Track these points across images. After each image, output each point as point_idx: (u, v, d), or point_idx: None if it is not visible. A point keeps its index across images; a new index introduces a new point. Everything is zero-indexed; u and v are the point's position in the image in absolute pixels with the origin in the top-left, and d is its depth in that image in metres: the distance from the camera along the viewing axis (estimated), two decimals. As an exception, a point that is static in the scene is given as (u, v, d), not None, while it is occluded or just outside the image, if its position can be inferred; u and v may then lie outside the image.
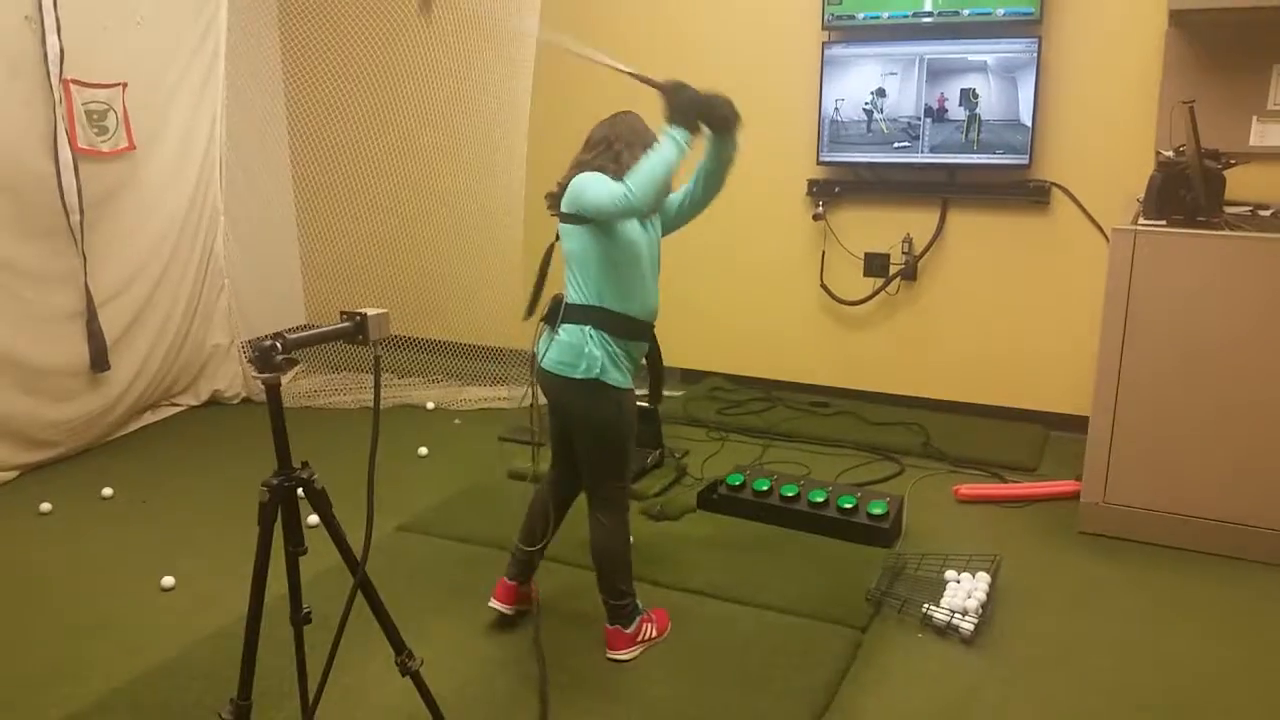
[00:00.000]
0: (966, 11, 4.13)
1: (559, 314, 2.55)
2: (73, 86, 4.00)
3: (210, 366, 4.90)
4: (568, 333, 2.54)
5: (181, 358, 4.74)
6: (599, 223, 2.48)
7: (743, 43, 4.66)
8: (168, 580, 3.11)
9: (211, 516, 3.63)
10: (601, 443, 2.61)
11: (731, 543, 3.35)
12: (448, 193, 4.94)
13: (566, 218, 2.55)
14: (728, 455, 4.15)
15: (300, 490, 1.96)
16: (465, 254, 4.90)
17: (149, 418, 4.65)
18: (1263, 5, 3.40)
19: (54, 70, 3.92)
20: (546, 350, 2.57)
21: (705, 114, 2.52)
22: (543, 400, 2.66)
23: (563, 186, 2.55)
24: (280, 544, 1.96)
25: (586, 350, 2.51)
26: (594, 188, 2.44)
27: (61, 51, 3.93)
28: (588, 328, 2.52)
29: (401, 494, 3.74)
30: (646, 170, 2.39)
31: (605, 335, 2.53)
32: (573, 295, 2.56)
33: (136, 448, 4.39)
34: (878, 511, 3.35)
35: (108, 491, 3.83)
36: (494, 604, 2.80)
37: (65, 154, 3.99)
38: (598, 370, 2.50)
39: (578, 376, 2.51)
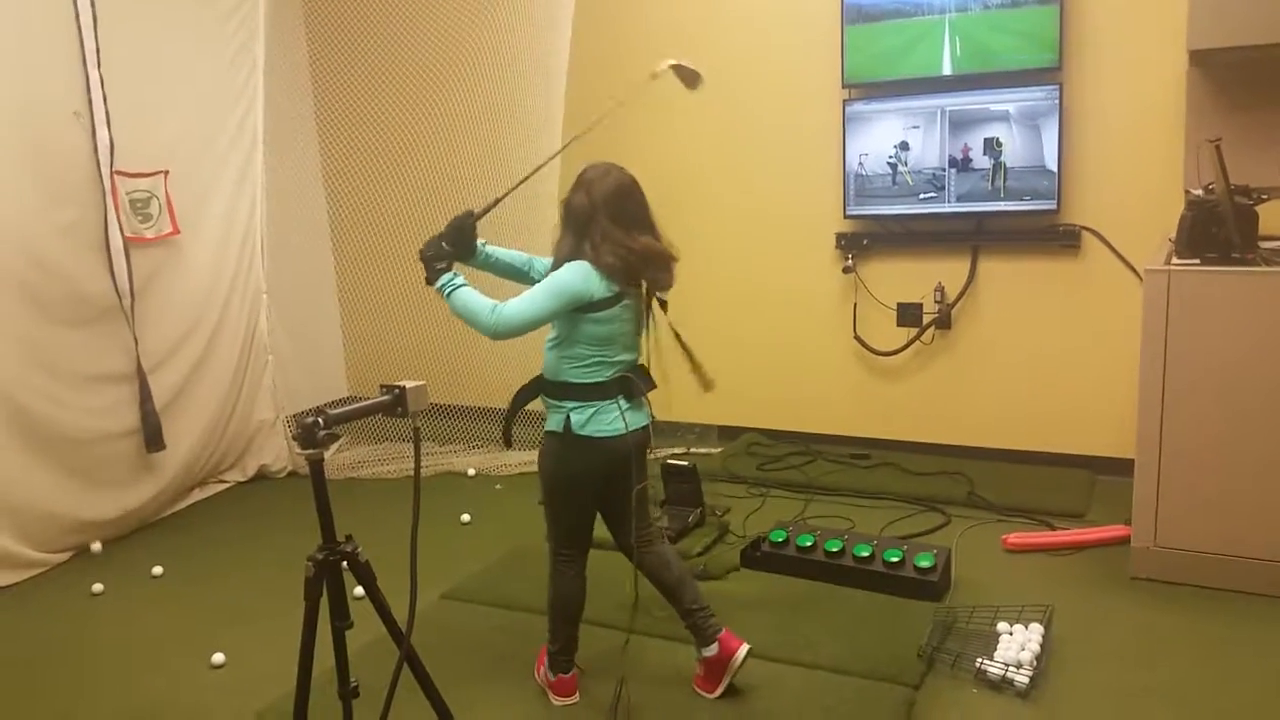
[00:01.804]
0: (987, 69, 4.19)
1: (631, 383, 2.63)
2: (117, 177, 4.15)
3: (256, 442, 4.99)
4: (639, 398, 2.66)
5: (229, 434, 4.83)
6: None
7: (766, 103, 4.74)
8: (218, 657, 3.13)
9: (260, 591, 3.67)
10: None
11: (778, 601, 3.32)
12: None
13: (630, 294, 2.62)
14: (769, 511, 4.13)
15: (345, 563, 1.98)
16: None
17: (197, 495, 4.73)
18: (1281, 42, 3.41)
19: (104, 162, 4.08)
20: (632, 415, 2.63)
21: (440, 252, 2.61)
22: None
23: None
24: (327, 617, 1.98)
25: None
26: None
27: (111, 143, 4.10)
28: None
29: (445, 562, 3.76)
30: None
31: None
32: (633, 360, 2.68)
33: (186, 525, 4.45)
34: (925, 564, 3.30)
35: (158, 570, 3.89)
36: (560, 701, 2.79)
37: (116, 241, 4.13)
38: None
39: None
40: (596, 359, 2.58)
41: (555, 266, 2.57)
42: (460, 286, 2.54)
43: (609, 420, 2.58)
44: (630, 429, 2.61)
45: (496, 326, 2.46)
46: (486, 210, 2.66)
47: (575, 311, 2.52)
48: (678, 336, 2.73)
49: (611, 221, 2.53)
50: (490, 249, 2.78)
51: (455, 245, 2.63)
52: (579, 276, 2.50)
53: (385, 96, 5.08)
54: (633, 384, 2.63)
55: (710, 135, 4.90)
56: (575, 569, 2.75)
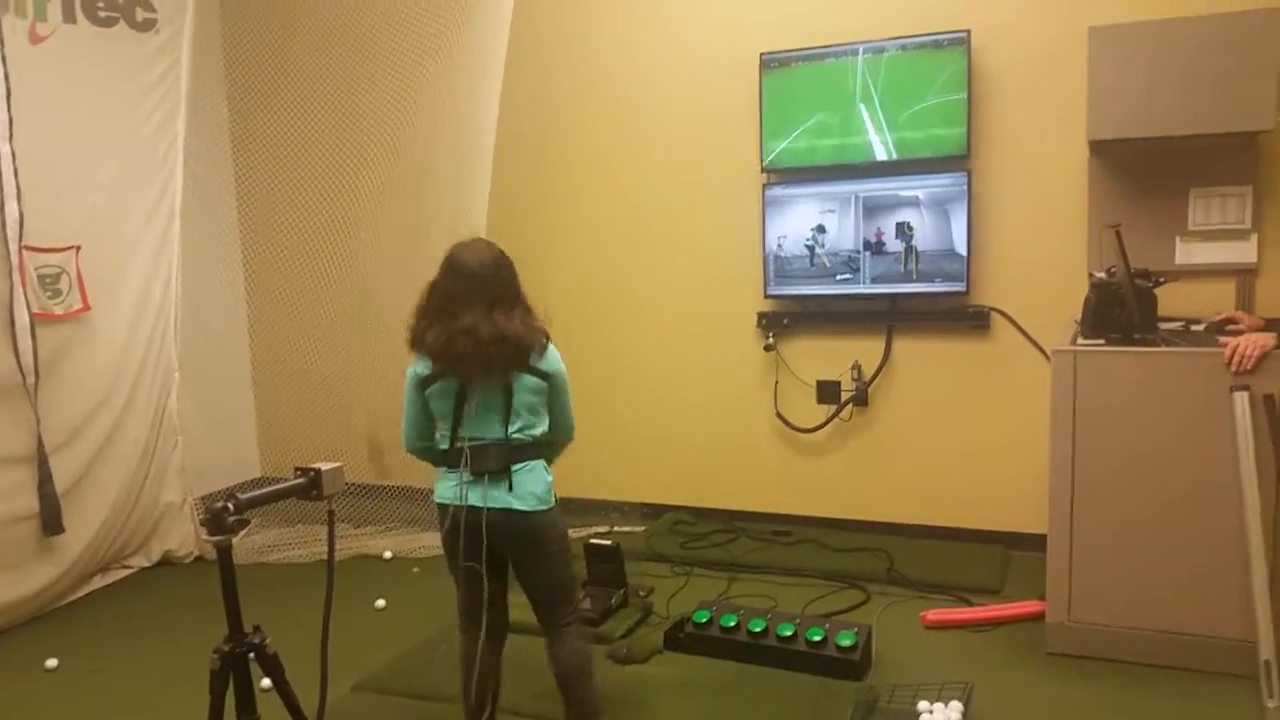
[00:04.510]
0: (898, 156, 4.35)
1: (506, 455, 2.60)
2: (26, 253, 4.03)
3: (163, 525, 4.79)
4: (533, 468, 2.65)
5: (134, 517, 4.64)
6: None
7: (689, 187, 4.84)
8: (114, 756, 2.97)
9: (163, 685, 3.50)
10: (566, 565, 2.75)
11: (701, 685, 3.28)
12: (402, 339, 4.97)
13: (533, 370, 2.61)
14: (693, 590, 4.10)
15: (252, 654, 1.91)
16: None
17: (99, 581, 4.51)
18: (1173, 135, 3.61)
19: (13, 237, 3.96)
20: (497, 491, 2.60)
21: None
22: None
23: (521, 337, 2.58)
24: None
25: (548, 480, 2.67)
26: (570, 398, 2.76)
27: (21, 218, 3.98)
28: (542, 461, 2.69)
29: (358, 650, 3.64)
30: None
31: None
32: (523, 436, 2.63)
33: (85, 614, 4.24)
34: (846, 643, 3.31)
35: (52, 663, 3.68)
36: None
37: (22, 317, 4.00)
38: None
39: (543, 508, 2.64)
40: (441, 430, 2.67)
41: None
42: None
43: (447, 487, 2.65)
44: (469, 503, 2.58)
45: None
46: None
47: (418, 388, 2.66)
48: None
49: (438, 301, 2.61)
50: None
51: None
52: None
53: (307, 169, 5.04)
54: (467, 456, 2.60)
55: (633, 218, 4.97)
56: (469, 636, 2.75)
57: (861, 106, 4.37)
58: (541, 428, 2.67)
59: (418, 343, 2.60)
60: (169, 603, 4.30)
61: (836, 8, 4.47)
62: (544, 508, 2.63)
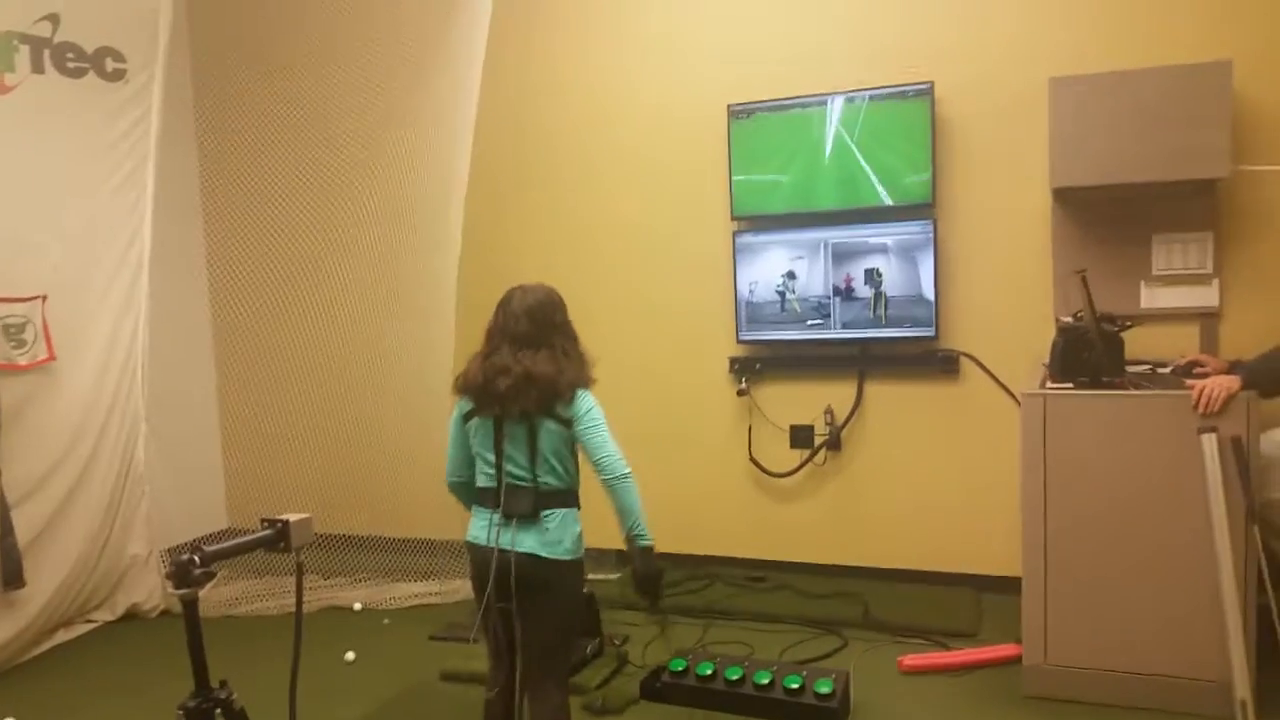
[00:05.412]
0: (864, 204, 4.41)
1: (536, 500, 2.60)
2: (-10, 302, 3.99)
3: (129, 578, 4.70)
4: (563, 516, 2.63)
5: (99, 570, 4.55)
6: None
7: (660, 232, 4.88)
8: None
9: (124, 743, 3.41)
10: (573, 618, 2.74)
11: (677, 734, 3.24)
12: (373, 388, 4.96)
13: (557, 417, 2.60)
14: (669, 638, 4.06)
15: (219, 710, 1.87)
16: (392, 446, 4.87)
17: (62, 636, 4.41)
18: (1133, 182, 3.69)
19: (-26, 287, 3.93)
20: (525, 535, 2.60)
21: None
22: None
23: (550, 379, 2.58)
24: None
25: (577, 530, 2.65)
26: (606, 435, 2.64)
27: (-15, 268, 3.95)
28: (575, 510, 2.67)
29: (328, 705, 3.57)
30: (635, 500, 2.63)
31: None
32: (553, 481, 2.63)
33: (47, 670, 4.13)
34: (825, 690, 3.28)
35: (10, 722, 3.59)
36: None
37: (-17, 368, 3.95)
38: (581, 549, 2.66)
39: (569, 558, 2.62)
40: (479, 467, 2.69)
41: None
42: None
43: (476, 526, 2.68)
44: (497, 544, 2.58)
45: None
46: None
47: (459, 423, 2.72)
48: None
49: (485, 339, 2.68)
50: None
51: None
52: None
53: (277, 219, 5.04)
54: (498, 497, 2.62)
55: (605, 264, 5.00)
56: (494, 680, 2.73)
57: (828, 156, 4.44)
58: (573, 476, 2.68)
59: (460, 378, 2.68)
60: (134, 658, 4.20)
61: (803, 59, 4.56)
62: (569, 558, 2.61)
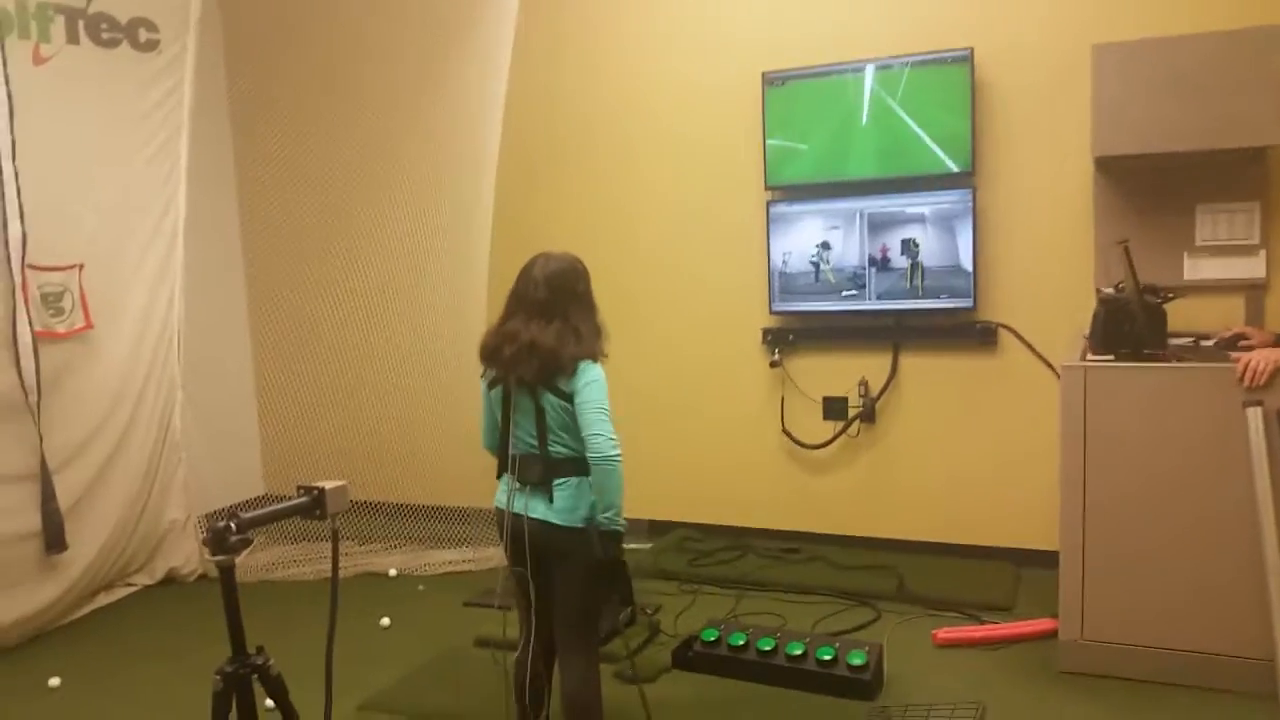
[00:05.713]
0: (902, 173, 4.34)
1: (545, 469, 2.60)
2: (29, 271, 4.03)
3: (167, 543, 4.77)
4: (571, 484, 2.60)
5: (138, 535, 4.62)
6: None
7: (693, 202, 4.84)
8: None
9: (165, 706, 3.46)
10: (588, 592, 2.67)
11: (710, 705, 3.24)
12: (406, 356, 4.98)
13: (557, 390, 2.56)
14: (701, 608, 4.06)
15: (256, 676, 1.89)
16: (425, 414, 4.89)
17: (103, 599, 4.49)
18: (1178, 150, 3.60)
19: (15, 256, 3.96)
20: (536, 502, 2.60)
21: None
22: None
23: (552, 351, 2.55)
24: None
25: (592, 501, 2.60)
26: (601, 413, 2.55)
27: (24, 236, 3.98)
28: (585, 479, 2.60)
29: (363, 669, 3.61)
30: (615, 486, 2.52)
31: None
32: (563, 450, 2.60)
33: (88, 632, 4.21)
34: (857, 662, 3.27)
35: (55, 681, 3.65)
36: None
37: (24, 336, 4.00)
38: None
39: (585, 525, 2.60)
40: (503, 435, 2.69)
41: None
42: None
43: (500, 490, 2.70)
44: (511, 509, 2.62)
45: None
46: None
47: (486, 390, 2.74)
48: None
49: (505, 305, 2.67)
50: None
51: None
52: None
53: (310, 191, 5.06)
54: (513, 464, 2.64)
55: (639, 235, 4.97)
56: (524, 643, 2.74)
57: (865, 123, 4.36)
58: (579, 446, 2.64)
59: (482, 344, 2.70)
60: (173, 622, 4.27)
61: (839, 25, 4.48)
62: (576, 525, 2.59)
